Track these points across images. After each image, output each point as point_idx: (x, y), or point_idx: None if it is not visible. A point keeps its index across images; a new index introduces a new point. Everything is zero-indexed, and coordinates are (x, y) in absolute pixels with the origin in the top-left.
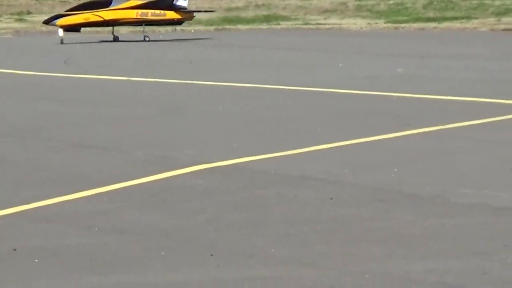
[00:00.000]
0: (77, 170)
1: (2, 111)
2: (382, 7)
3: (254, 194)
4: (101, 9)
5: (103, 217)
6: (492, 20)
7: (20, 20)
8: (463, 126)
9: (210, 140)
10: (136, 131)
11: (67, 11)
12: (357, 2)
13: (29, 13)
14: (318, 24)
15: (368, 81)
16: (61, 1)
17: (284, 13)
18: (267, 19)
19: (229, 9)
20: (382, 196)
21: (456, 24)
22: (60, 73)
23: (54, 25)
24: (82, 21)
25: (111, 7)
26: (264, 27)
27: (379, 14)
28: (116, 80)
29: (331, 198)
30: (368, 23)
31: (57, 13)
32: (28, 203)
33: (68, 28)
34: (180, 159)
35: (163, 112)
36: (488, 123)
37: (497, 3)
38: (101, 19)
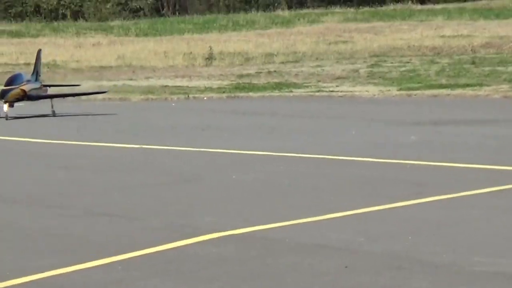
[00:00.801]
0: (91, 238)
1: (16, 179)
2: (394, 74)
3: (268, 262)
4: (20, 84)
5: (117, 286)
6: (505, 87)
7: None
8: (477, 194)
9: (225, 208)
10: (151, 199)
11: (5, 85)
12: (369, 69)
13: (42, 81)
14: (331, 91)
15: (381, 149)
16: (72, 69)
17: (296, 80)
18: (278, 86)
19: (241, 76)
20: (398, 264)
21: (469, 91)
22: (73, 141)
23: (7, 100)
24: (17, 96)
25: (24, 82)
26: (276, 94)
27: (391, 81)
28: (129, 148)
29: (346, 267)
30: (381, 90)
31: (70, 81)
32: (42, 271)
33: (11, 104)
34: (195, 227)
35: (177, 180)
36: (503, 191)
37: (510, 69)
38: (24, 93)
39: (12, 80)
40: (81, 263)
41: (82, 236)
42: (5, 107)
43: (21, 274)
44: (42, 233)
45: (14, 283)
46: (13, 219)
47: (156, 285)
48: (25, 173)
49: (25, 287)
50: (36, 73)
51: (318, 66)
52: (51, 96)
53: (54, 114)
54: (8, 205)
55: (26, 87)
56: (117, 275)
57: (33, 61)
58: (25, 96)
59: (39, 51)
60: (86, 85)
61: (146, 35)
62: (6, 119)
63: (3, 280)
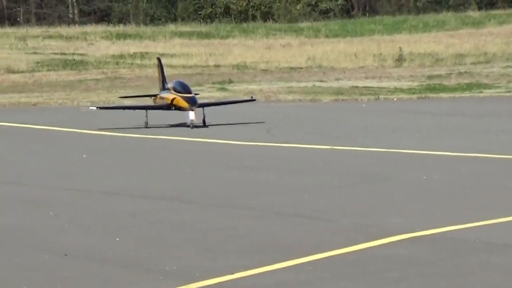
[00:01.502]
0: (279, 239)
1: (201, 180)
2: None
3: (457, 263)
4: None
5: (305, 287)
6: None
7: (222, 89)
8: None
9: (413, 209)
10: (339, 199)
11: (184, 92)
12: None
13: (230, 82)
14: None
15: None
16: (262, 70)
17: (486, 81)
18: (469, 87)
19: (431, 77)
20: None
21: None
22: (263, 142)
23: (194, 108)
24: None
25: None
26: (467, 95)
27: None
28: (319, 149)
29: None
30: None
31: (260, 82)
32: (232, 273)
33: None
34: (383, 228)
35: (366, 181)
36: None
37: None
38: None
39: (186, 87)
40: (270, 264)
41: (271, 237)
42: (193, 114)
43: (209, 276)
44: (230, 234)
45: (203, 285)
46: (201, 219)
47: (344, 286)
48: (212, 174)
49: None
50: (164, 81)
51: (508, 66)
52: (203, 105)
53: (204, 124)
54: (197, 206)
55: None
56: (306, 276)
57: (223, 62)
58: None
59: (159, 59)
60: (276, 86)
61: (336, 36)
62: (191, 128)
63: (193, 281)
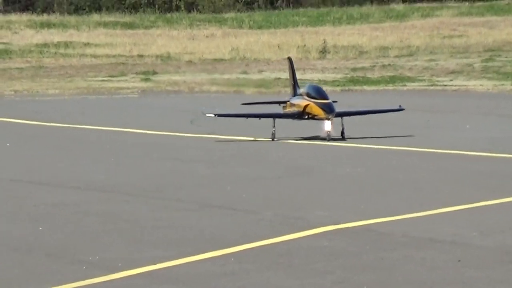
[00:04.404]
0: (204, 230)
1: (130, 171)
2: (509, 68)
3: (381, 256)
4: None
5: (230, 278)
6: None
7: (146, 79)
8: None
9: (338, 202)
10: (264, 191)
11: (318, 98)
12: (484, 64)
13: (154, 73)
14: (445, 85)
15: (496, 143)
16: (186, 61)
17: (410, 74)
18: (392, 80)
19: (354, 70)
20: (510, 259)
21: None
22: (186, 133)
23: (332, 117)
24: None
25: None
26: (390, 88)
27: (505, 76)
28: (244, 140)
29: (459, 261)
30: (495, 85)
31: (184, 73)
32: (155, 263)
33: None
34: (308, 220)
35: (290, 173)
36: None
37: None
38: None
39: (322, 92)
40: (194, 255)
41: (195, 228)
42: (329, 125)
43: (134, 266)
44: (156, 225)
45: (127, 275)
46: (128, 210)
47: (268, 278)
48: (137, 165)
49: (139, 279)
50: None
51: (432, 60)
52: (342, 114)
53: (343, 136)
54: (126, 196)
55: None
56: (230, 267)
57: (147, 53)
58: None
59: (290, 58)
60: (199, 78)
61: (260, 27)
62: (328, 140)
63: (115, 271)
